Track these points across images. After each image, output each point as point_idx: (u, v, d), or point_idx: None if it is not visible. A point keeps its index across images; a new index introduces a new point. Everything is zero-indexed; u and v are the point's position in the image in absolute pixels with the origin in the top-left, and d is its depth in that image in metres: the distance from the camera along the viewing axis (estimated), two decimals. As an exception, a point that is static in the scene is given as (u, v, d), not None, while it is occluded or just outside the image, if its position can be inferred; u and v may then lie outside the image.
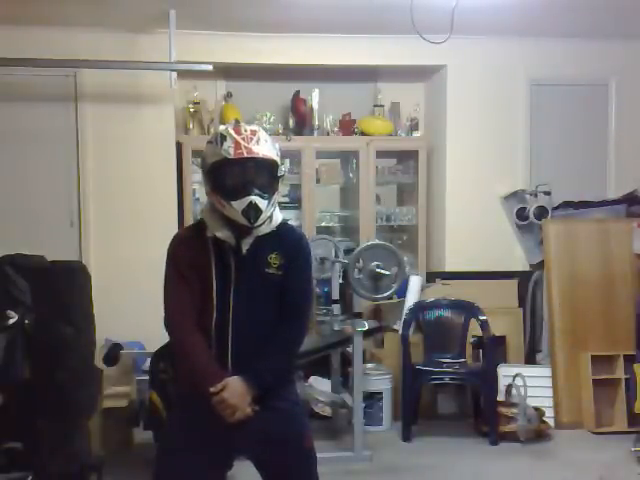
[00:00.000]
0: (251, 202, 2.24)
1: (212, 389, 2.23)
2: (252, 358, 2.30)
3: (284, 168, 2.49)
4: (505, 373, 5.16)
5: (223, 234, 2.30)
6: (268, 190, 2.29)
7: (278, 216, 2.40)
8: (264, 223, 2.31)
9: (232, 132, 2.28)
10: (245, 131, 2.28)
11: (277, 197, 2.36)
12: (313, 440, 2.46)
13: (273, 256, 2.33)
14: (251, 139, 2.27)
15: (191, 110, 5.64)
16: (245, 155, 2.25)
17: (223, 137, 2.28)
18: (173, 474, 2.37)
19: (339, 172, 6.01)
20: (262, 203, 2.26)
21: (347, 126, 5.85)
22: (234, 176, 2.27)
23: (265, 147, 2.29)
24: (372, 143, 5.73)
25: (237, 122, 2.34)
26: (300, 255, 2.40)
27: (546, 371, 5.30)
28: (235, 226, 2.30)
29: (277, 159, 2.33)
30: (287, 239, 2.39)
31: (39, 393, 3.57)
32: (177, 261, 2.35)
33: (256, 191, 2.25)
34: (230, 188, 2.26)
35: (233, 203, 2.25)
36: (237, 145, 2.25)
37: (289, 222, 2.54)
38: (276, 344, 2.33)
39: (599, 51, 5.68)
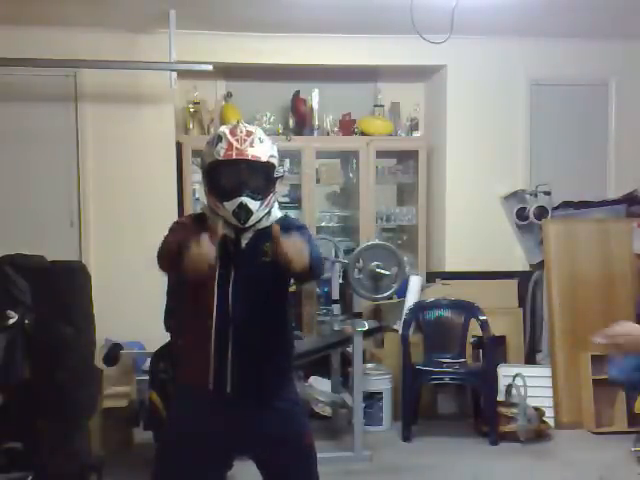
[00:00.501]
0: (241, 203, 2.25)
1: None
2: (252, 351, 2.30)
3: (282, 169, 2.48)
4: (505, 373, 5.16)
5: (224, 229, 2.31)
6: (261, 191, 2.29)
7: (277, 212, 2.41)
8: (259, 222, 2.32)
9: (227, 133, 2.29)
10: (241, 132, 2.29)
11: (273, 198, 2.36)
12: (313, 440, 2.47)
13: (267, 244, 2.30)
14: (245, 140, 2.28)
15: (191, 110, 5.64)
16: (234, 157, 2.26)
17: (219, 138, 2.30)
18: (172, 475, 2.37)
19: (339, 172, 6.00)
20: (253, 204, 2.26)
21: (347, 126, 5.85)
22: (226, 177, 2.29)
23: (259, 149, 2.29)
24: (372, 143, 5.73)
25: (237, 123, 2.35)
26: (290, 228, 2.34)
27: (546, 371, 5.30)
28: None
29: (273, 160, 2.33)
30: (280, 227, 2.38)
31: (39, 393, 3.56)
32: (182, 227, 2.35)
33: (247, 192, 2.26)
34: (222, 189, 2.27)
35: (225, 204, 2.27)
36: (229, 146, 2.27)
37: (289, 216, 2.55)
38: None
39: (599, 51, 5.67)
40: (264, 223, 2.34)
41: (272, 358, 2.39)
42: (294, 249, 2.08)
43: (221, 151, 2.26)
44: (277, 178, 2.36)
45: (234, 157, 2.26)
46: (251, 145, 2.28)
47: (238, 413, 2.32)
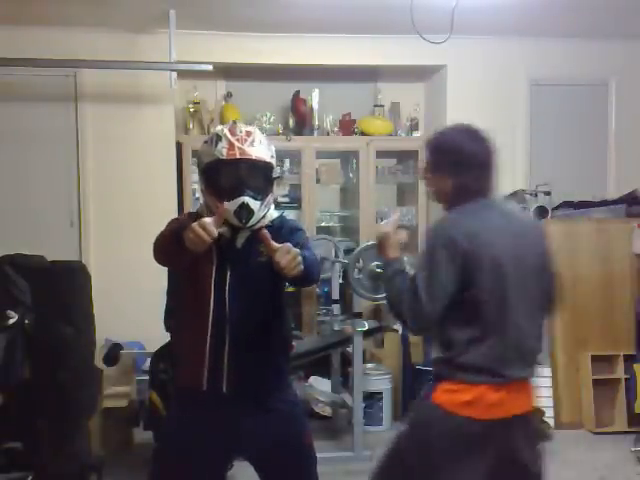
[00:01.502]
0: (243, 203, 2.24)
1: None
2: (249, 350, 2.30)
3: (280, 170, 2.49)
4: (505, 373, 5.15)
5: (220, 228, 2.30)
6: (261, 191, 2.29)
7: (273, 213, 2.41)
8: (257, 223, 2.31)
9: (227, 133, 2.28)
10: (240, 132, 2.29)
11: (271, 198, 2.36)
12: (313, 440, 2.47)
13: (263, 244, 2.31)
14: (245, 140, 2.27)
15: (191, 110, 5.64)
16: (237, 156, 2.25)
17: (218, 138, 2.29)
18: (172, 475, 2.37)
19: (339, 172, 6.00)
20: (254, 204, 2.26)
21: (347, 126, 5.85)
22: (227, 177, 2.27)
23: (259, 149, 2.29)
24: (372, 143, 5.73)
25: (234, 123, 2.35)
26: (286, 231, 2.35)
27: (546, 371, 5.29)
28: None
29: (271, 161, 2.33)
30: (276, 227, 2.38)
31: (39, 393, 3.56)
32: (178, 221, 2.37)
33: (249, 192, 2.25)
34: (223, 188, 2.26)
35: (226, 203, 2.24)
36: (231, 146, 2.26)
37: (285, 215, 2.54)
38: None
39: (599, 51, 5.68)
40: (261, 223, 2.34)
41: (269, 358, 2.38)
42: (286, 257, 2.06)
43: (223, 150, 2.25)
44: (275, 179, 2.36)
45: (238, 157, 2.25)
46: (252, 145, 2.28)
47: (236, 414, 2.31)
